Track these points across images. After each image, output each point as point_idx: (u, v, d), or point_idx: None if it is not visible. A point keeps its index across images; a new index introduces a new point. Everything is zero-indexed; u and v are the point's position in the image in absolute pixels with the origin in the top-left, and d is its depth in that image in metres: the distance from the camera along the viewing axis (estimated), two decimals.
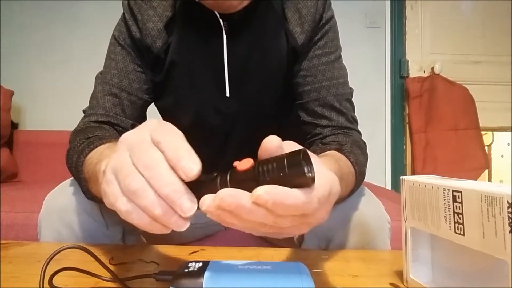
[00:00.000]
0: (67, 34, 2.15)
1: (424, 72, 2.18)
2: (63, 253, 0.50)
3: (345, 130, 0.66)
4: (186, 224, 0.29)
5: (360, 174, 0.58)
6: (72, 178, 0.62)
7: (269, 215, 0.27)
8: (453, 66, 2.17)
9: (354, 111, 0.69)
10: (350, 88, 0.70)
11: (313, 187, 0.28)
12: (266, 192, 0.26)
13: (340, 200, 0.55)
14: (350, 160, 0.57)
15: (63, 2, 2.14)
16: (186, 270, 0.33)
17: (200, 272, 0.32)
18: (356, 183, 0.57)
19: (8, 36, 2.14)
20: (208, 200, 0.27)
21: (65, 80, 2.13)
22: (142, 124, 0.32)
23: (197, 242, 0.83)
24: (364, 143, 0.66)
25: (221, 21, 0.64)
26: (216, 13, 0.63)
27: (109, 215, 0.60)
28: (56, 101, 2.11)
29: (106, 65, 0.68)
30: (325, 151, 0.59)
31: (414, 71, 2.18)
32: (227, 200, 0.26)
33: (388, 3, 2.18)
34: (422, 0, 2.21)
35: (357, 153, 0.59)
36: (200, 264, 0.34)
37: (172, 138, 0.29)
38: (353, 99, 0.70)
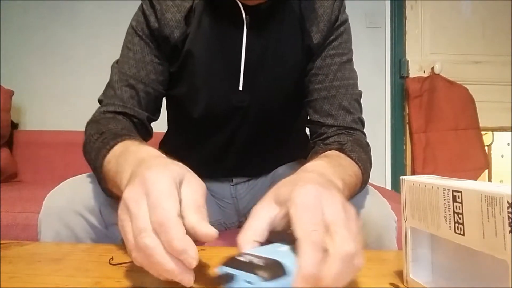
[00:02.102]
0: (67, 34, 2.15)
1: (424, 72, 2.18)
2: (63, 252, 0.50)
3: (349, 130, 0.66)
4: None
5: (365, 171, 0.58)
6: (72, 178, 0.62)
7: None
8: (453, 66, 2.17)
9: (361, 113, 0.70)
10: (360, 90, 0.70)
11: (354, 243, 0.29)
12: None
13: (346, 199, 0.55)
14: (352, 158, 0.56)
15: (63, 2, 2.14)
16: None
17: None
18: (362, 181, 0.57)
19: (8, 36, 2.14)
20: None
21: (65, 80, 2.12)
22: (166, 166, 0.36)
23: (197, 242, 0.83)
24: (368, 144, 0.66)
25: (243, 14, 0.64)
26: (240, 5, 0.63)
27: (109, 215, 0.60)
28: (56, 101, 2.11)
29: (123, 55, 0.68)
30: (326, 151, 0.59)
31: (414, 71, 2.18)
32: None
33: (388, 3, 2.18)
34: (422, 0, 2.21)
35: (358, 151, 0.59)
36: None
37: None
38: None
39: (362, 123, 0.69)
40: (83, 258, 0.47)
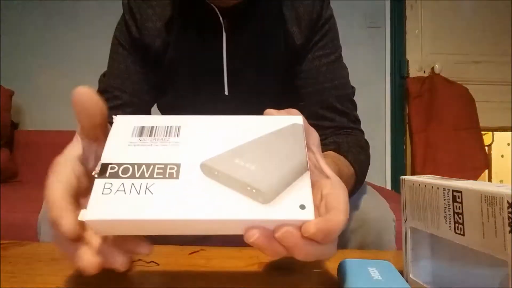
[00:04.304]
0: (67, 34, 2.15)
1: (424, 72, 2.18)
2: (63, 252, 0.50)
3: (347, 130, 0.66)
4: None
5: (360, 173, 0.57)
6: None
7: (317, 245, 0.27)
8: (453, 66, 2.17)
9: (356, 110, 0.69)
10: (352, 87, 0.69)
11: (343, 203, 0.29)
12: (319, 229, 0.26)
13: None
14: (347, 159, 0.56)
15: (63, 2, 2.14)
16: None
17: None
18: (356, 181, 0.57)
19: (8, 36, 2.14)
20: (257, 233, 0.26)
21: (65, 80, 2.12)
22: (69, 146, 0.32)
23: (197, 242, 0.83)
24: (366, 142, 0.66)
25: (220, 17, 0.63)
26: (216, 9, 0.63)
27: None
28: (56, 101, 2.11)
29: (108, 66, 0.68)
30: (324, 152, 0.59)
31: (414, 71, 2.18)
32: (289, 237, 0.26)
33: (388, 3, 2.18)
34: (422, 0, 2.21)
35: (355, 152, 0.59)
36: None
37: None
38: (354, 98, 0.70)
39: (358, 121, 0.69)
40: None
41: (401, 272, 0.40)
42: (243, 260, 0.48)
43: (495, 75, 2.18)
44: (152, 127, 0.32)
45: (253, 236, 0.26)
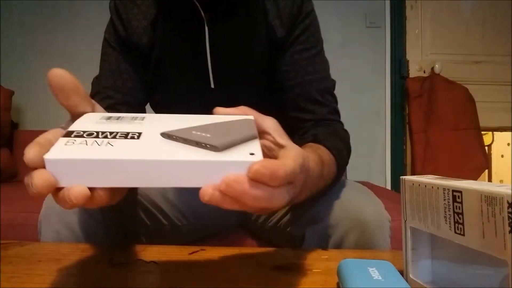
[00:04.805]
0: (67, 34, 2.15)
1: (424, 72, 2.18)
2: (63, 253, 0.50)
3: (325, 122, 0.67)
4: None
5: (340, 159, 0.58)
6: None
7: (266, 189, 0.28)
8: (453, 66, 2.17)
9: (336, 103, 0.70)
10: (332, 80, 0.70)
11: (294, 155, 0.31)
12: (263, 166, 0.27)
13: (325, 188, 0.55)
14: (326, 147, 0.56)
15: (63, 2, 2.14)
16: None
17: None
18: (338, 168, 0.57)
19: (8, 36, 2.14)
20: (210, 190, 0.27)
21: None
22: None
23: (197, 242, 0.83)
24: (346, 132, 0.67)
25: (201, 11, 0.64)
26: (197, 4, 0.63)
27: (109, 215, 0.60)
28: (56, 101, 2.10)
29: (100, 67, 0.69)
30: (303, 144, 0.59)
31: (414, 71, 2.18)
32: (233, 186, 0.27)
33: (388, 3, 2.18)
34: (422, 0, 2.21)
35: (333, 139, 0.59)
36: None
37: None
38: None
39: (337, 113, 0.70)
40: (83, 258, 0.47)
41: (401, 272, 0.40)
42: (243, 260, 0.48)
43: (495, 75, 2.18)
44: (119, 117, 0.34)
45: (206, 193, 0.27)
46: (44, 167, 0.27)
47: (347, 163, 0.62)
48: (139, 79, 0.68)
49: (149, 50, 0.67)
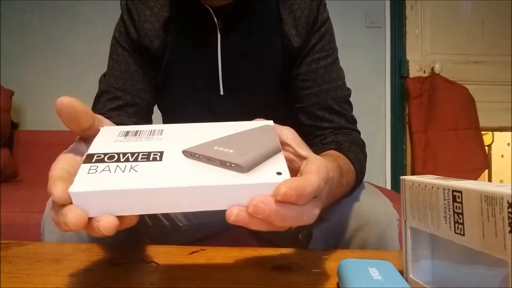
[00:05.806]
0: (67, 34, 2.15)
1: (424, 72, 2.18)
2: (63, 253, 0.50)
3: (345, 130, 0.66)
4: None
5: (360, 171, 0.58)
6: None
7: (293, 208, 0.27)
8: (453, 66, 2.17)
9: (352, 111, 0.70)
10: (348, 89, 0.70)
11: (317, 169, 0.30)
12: (290, 187, 0.26)
13: (342, 196, 0.55)
14: (348, 158, 0.57)
15: (63, 2, 2.14)
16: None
17: None
18: (356, 180, 0.57)
19: (8, 36, 2.14)
20: (235, 210, 0.27)
21: (65, 80, 2.13)
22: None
23: (197, 242, 0.83)
24: (363, 142, 0.67)
25: (215, 18, 0.64)
26: (210, 10, 0.63)
27: None
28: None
29: (109, 66, 0.68)
30: (325, 151, 0.59)
31: (414, 71, 2.18)
32: (261, 207, 0.26)
33: (388, 3, 2.18)
34: (422, 0, 2.21)
35: (355, 151, 0.59)
36: None
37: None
38: (353, 99, 0.71)
39: (355, 121, 0.70)
40: (83, 258, 0.47)
41: (401, 272, 0.40)
42: (243, 260, 0.48)
43: (495, 75, 2.18)
44: (137, 131, 0.34)
45: (232, 213, 0.27)
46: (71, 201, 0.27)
47: (364, 174, 0.62)
48: (148, 81, 0.68)
49: (161, 53, 0.66)
